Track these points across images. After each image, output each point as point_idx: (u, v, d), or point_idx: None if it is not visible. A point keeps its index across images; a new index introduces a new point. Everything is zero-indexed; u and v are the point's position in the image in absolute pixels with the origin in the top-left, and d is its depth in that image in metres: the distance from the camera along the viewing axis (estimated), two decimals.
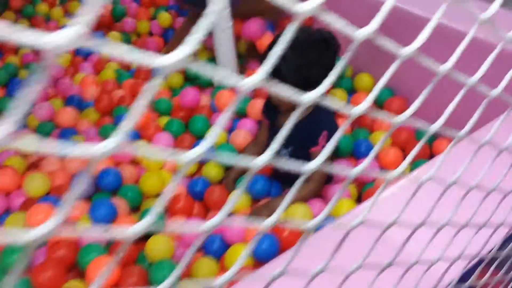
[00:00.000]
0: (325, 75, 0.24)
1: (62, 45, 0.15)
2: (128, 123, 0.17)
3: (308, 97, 0.23)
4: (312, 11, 0.19)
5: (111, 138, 0.18)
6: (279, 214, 0.26)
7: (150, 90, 0.17)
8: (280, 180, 1.20)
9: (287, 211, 1.03)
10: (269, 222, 0.25)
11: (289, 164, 0.24)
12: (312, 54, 1.01)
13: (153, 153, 0.19)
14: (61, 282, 0.98)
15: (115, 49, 0.16)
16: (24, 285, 0.96)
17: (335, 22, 0.21)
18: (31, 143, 0.15)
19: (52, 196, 1.20)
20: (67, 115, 1.49)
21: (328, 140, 1.05)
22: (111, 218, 1.13)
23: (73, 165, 1.27)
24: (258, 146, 1.25)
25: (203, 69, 0.19)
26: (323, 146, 1.04)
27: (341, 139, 1.22)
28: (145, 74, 1.66)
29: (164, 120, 1.46)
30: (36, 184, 1.20)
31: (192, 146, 1.35)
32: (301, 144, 1.07)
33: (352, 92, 1.52)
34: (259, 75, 0.20)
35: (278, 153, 1.21)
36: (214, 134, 0.21)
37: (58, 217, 0.17)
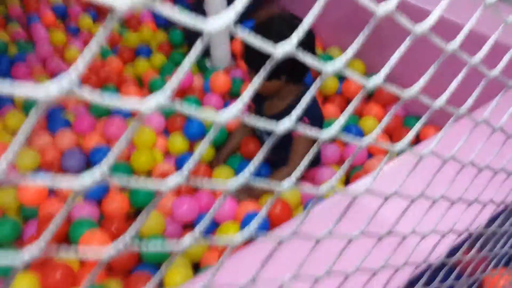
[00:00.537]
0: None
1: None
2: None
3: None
4: None
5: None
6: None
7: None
8: (268, 163, 1.22)
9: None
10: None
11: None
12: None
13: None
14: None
15: None
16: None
17: None
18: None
19: (42, 171, 1.20)
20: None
21: (310, 125, 1.08)
22: (102, 194, 1.14)
23: (64, 141, 1.27)
24: (246, 128, 1.28)
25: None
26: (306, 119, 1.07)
27: (330, 123, 1.24)
28: (129, 52, 1.68)
29: None
30: (26, 159, 1.20)
31: (183, 127, 1.36)
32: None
33: (343, 79, 1.54)
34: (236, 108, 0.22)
35: (261, 139, 1.24)
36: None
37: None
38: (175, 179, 0.22)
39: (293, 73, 1.07)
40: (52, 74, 1.59)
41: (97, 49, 0.17)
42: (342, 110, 1.44)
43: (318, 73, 1.56)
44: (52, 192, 1.16)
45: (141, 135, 1.29)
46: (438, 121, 1.23)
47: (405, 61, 1.21)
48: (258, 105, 1.20)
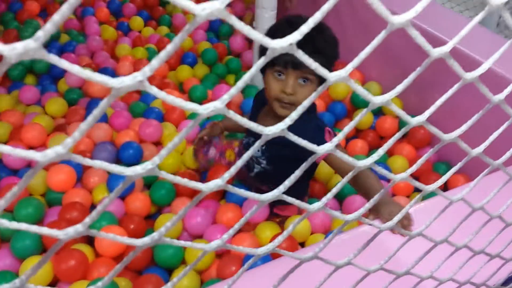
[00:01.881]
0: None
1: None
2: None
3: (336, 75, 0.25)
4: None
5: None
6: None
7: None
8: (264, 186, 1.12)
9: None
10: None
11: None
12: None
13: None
14: (70, 243, 1.01)
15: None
16: (33, 239, 1.00)
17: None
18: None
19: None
20: (97, 86, 1.53)
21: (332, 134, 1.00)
22: (127, 191, 1.16)
23: (98, 133, 1.31)
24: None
25: None
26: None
27: (358, 158, 1.24)
28: (176, 58, 1.73)
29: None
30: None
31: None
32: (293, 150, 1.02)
33: (378, 114, 1.53)
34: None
35: (250, 164, 1.07)
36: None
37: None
38: (216, 182, 0.24)
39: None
40: (98, 68, 1.65)
41: (172, 52, 0.18)
42: (372, 146, 1.43)
43: (353, 107, 1.57)
44: (78, 181, 1.19)
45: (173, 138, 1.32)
46: (468, 170, 1.22)
47: (442, 108, 1.21)
48: (254, 112, 1.11)
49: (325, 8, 0.20)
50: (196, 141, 1.22)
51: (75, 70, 0.17)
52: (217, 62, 1.77)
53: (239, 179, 1.16)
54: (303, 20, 0.21)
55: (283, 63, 0.88)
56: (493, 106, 0.31)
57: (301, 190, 1.11)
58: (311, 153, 0.25)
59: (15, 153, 0.18)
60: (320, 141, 0.50)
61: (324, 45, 0.88)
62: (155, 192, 1.16)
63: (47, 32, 0.16)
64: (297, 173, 0.26)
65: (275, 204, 1.13)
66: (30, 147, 1.28)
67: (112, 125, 1.37)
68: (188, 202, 1.12)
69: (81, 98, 1.53)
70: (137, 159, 1.25)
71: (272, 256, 0.97)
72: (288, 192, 0.26)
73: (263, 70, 0.93)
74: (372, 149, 1.42)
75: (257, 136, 1.00)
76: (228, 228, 1.05)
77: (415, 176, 1.33)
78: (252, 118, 1.08)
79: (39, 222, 1.09)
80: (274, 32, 0.95)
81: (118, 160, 1.25)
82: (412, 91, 1.46)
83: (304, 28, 0.21)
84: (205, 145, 1.21)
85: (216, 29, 1.97)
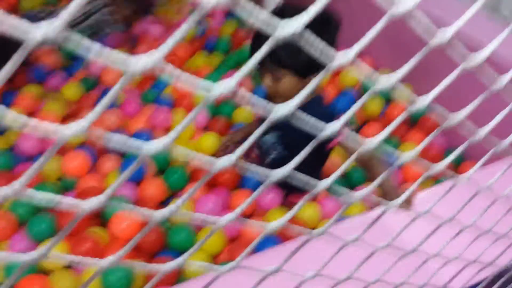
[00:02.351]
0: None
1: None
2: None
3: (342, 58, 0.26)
4: None
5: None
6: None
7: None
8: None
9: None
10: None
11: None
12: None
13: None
14: (84, 227, 1.03)
15: None
16: (49, 223, 1.02)
17: None
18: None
19: (87, 146, 1.25)
20: (113, 75, 1.55)
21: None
22: (139, 176, 1.18)
23: (110, 120, 1.33)
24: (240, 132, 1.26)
25: None
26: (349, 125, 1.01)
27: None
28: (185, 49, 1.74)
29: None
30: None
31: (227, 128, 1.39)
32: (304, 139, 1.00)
33: (388, 102, 1.54)
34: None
35: (261, 148, 1.14)
36: None
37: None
38: (226, 161, 0.25)
39: (310, 72, 0.95)
40: None
41: (183, 36, 0.19)
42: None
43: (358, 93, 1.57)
44: (93, 168, 1.21)
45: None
46: (480, 157, 1.22)
47: (450, 93, 1.20)
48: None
49: None
50: (220, 148, 1.24)
51: (98, 51, 0.18)
52: (234, 49, 1.78)
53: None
54: (298, 10, 0.22)
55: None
56: (498, 91, 0.32)
57: (313, 177, 1.12)
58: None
59: (39, 127, 0.19)
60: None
61: (321, 29, 0.87)
62: (169, 177, 1.17)
63: (70, 14, 0.17)
64: (307, 149, 0.27)
65: (289, 192, 1.15)
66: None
67: (123, 112, 1.39)
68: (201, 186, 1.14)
69: (96, 86, 1.55)
70: None
71: (282, 239, 0.99)
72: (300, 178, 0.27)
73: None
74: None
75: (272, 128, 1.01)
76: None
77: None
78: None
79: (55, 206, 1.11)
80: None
81: None
82: (422, 80, 1.46)
83: (306, 17, 0.22)
84: (227, 152, 1.23)
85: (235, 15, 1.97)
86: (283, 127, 1.05)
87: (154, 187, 1.14)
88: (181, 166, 1.20)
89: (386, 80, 0.27)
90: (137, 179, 1.18)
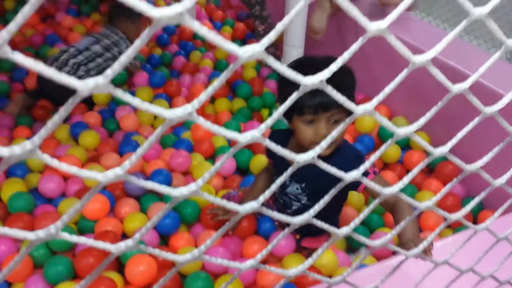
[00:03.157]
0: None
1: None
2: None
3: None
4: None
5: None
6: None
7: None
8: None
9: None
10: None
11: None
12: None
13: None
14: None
15: None
16: (66, 265, 1.03)
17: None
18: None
19: (107, 190, 1.27)
20: (131, 120, 1.59)
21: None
22: (171, 229, 1.19)
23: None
24: (255, 192, 1.18)
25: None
26: (375, 173, 0.94)
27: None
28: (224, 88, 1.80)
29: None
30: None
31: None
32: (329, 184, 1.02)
33: (405, 148, 1.54)
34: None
35: (286, 204, 1.11)
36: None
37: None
38: (252, 205, 0.26)
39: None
40: None
41: (218, 87, 0.21)
42: (400, 180, 1.43)
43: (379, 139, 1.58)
44: (111, 212, 1.22)
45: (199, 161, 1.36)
46: (499, 206, 1.20)
47: (468, 140, 1.21)
48: (278, 159, 1.08)
49: (353, 48, 0.23)
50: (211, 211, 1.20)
51: (138, 103, 0.20)
52: (252, 96, 1.82)
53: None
54: (316, 60, 0.24)
55: (313, 108, 0.89)
56: None
57: (332, 223, 1.12)
58: (350, 183, 0.27)
59: (87, 173, 0.20)
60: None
61: (342, 78, 0.88)
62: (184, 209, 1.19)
63: (115, 71, 0.19)
64: (327, 198, 0.28)
65: (303, 236, 1.14)
66: (65, 178, 1.33)
67: (143, 156, 1.41)
68: (213, 234, 1.15)
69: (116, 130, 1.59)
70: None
71: (297, 286, 0.97)
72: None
73: (288, 115, 0.94)
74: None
75: (292, 176, 1.02)
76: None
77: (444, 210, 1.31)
78: (278, 159, 1.07)
79: (71, 249, 1.12)
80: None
81: (149, 190, 1.29)
82: (439, 125, 1.47)
83: (333, 67, 0.23)
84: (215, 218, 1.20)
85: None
86: (308, 178, 1.07)
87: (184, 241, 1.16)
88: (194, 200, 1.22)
89: (405, 130, 0.28)
90: (167, 233, 1.19)
